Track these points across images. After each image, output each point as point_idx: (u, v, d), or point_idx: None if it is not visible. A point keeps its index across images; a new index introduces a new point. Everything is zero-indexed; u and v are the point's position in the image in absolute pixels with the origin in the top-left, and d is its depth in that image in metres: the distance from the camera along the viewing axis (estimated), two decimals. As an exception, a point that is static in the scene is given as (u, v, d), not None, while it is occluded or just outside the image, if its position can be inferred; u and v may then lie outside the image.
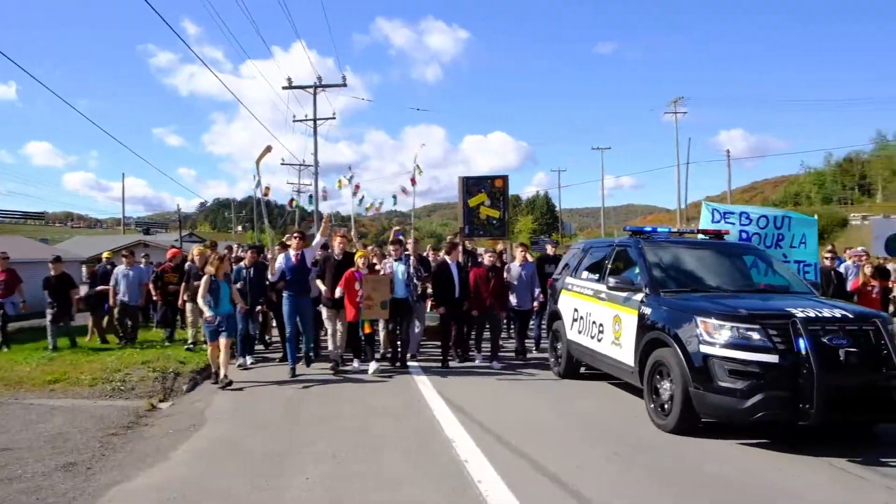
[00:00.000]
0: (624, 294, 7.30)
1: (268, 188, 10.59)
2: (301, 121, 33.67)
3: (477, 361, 10.23)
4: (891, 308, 11.64)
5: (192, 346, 11.11)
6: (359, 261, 9.61)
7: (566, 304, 8.99)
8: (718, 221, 9.93)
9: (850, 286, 10.97)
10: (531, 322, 11.29)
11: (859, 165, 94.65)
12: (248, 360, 10.17)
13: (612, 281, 7.41)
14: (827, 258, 10.80)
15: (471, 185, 11.05)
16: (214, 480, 5.20)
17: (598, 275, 8.32)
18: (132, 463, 5.62)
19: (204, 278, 8.70)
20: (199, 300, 8.60)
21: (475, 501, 4.69)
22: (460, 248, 10.54)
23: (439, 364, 10.14)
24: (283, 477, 5.23)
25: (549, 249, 11.83)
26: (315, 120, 33.21)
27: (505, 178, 11.07)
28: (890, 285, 11.78)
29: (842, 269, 11.39)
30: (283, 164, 47.34)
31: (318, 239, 10.07)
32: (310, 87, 32.99)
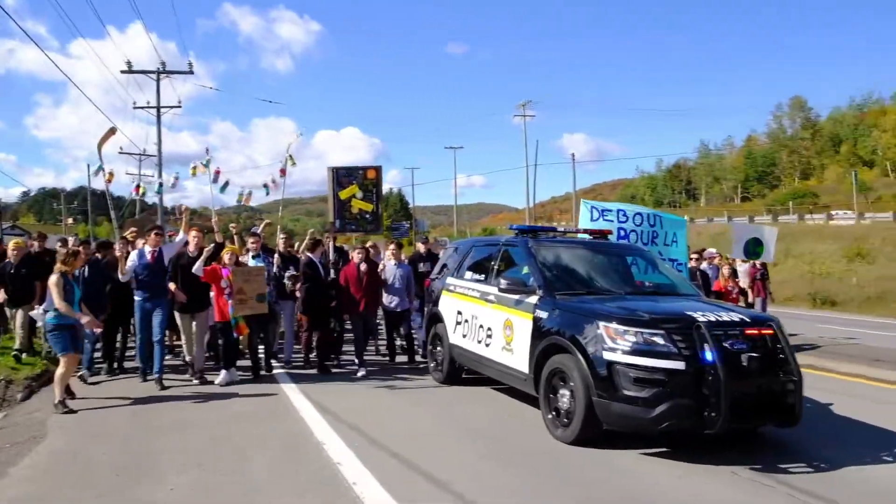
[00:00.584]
0: (516, 297, 6.87)
1: (111, 174, 9.17)
2: (143, 108, 31.69)
3: (360, 374, 9.40)
4: (741, 304, 12.20)
5: (18, 353, 9.32)
6: (224, 256, 8.59)
7: (448, 306, 8.47)
8: (597, 220, 9.84)
9: (713, 287, 11.34)
10: (413, 325, 10.58)
11: (686, 171, 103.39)
12: (87, 373, 8.72)
13: (503, 283, 6.94)
14: (693, 258, 11.08)
15: (341, 177, 10.18)
16: (66, 497, 4.67)
17: (484, 276, 7.87)
18: (-38, 482, 4.90)
19: (53, 278, 7.08)
20: (59, 303, 7.03)
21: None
22: (328, 244, 9.73)
23: (308, 371, 9.32)
24: (145, 488, 4.78)
25: (421, 247, 11.24)
26: (158, 108, 31.26)
27: (378, 170, 10.33)
28: (744, 286, 12.36)
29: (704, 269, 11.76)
30: (121, 152, 43.51)
31: (181, 236, 8.89)
32: (152, 72, 30.97)
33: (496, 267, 7.70)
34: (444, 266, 9.25)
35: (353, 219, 10.13)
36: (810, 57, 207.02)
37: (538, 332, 6.46)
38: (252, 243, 9.28)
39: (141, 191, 9.44)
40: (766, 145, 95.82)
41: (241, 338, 8.77)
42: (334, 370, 9.44)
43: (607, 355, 5.56)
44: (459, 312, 8.13)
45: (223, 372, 8.52)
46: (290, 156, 10.13)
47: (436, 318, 8.85)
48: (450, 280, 8.62)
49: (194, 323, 8.78)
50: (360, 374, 9.09)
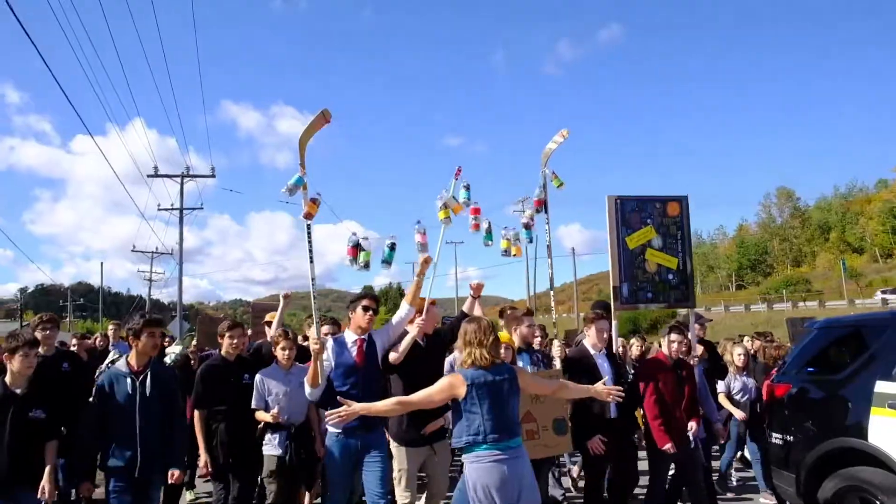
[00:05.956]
0: None
1: (315, 202, 4.79)
2: (166, 209, 30.11)
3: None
4: None
5: None
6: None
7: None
8: None
9: None
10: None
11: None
12: None
13: None
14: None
15: (628, 213, 6.04)
16: None
17: None
18: None
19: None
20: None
21: None
22: (604, 324, 5.47)
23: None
24: None
25: (698, 330, 6.66)
26: (182, 209, 29.70)
27: (682, 203, 6.22)
28: None
29: None
30: (133, 251, 41.22)
31: (403, 310, 4.85)
32: (177, 176, 29.80)
33: None
34: (809, 358, 5.29)
35: (648, 281, 6.03)
36: (793, 148, 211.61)
37: None
38: (527, 329, 5.26)
39: (362, 259, 4.94)
40: (757, 235, 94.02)
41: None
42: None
43: None
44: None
45: None
46: (553, 172, 6.01)
47: (848, 458, 4.74)
48: (891, 387, 4.58)
49: (435, 460, 4.75)
50: None
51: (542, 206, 5.99)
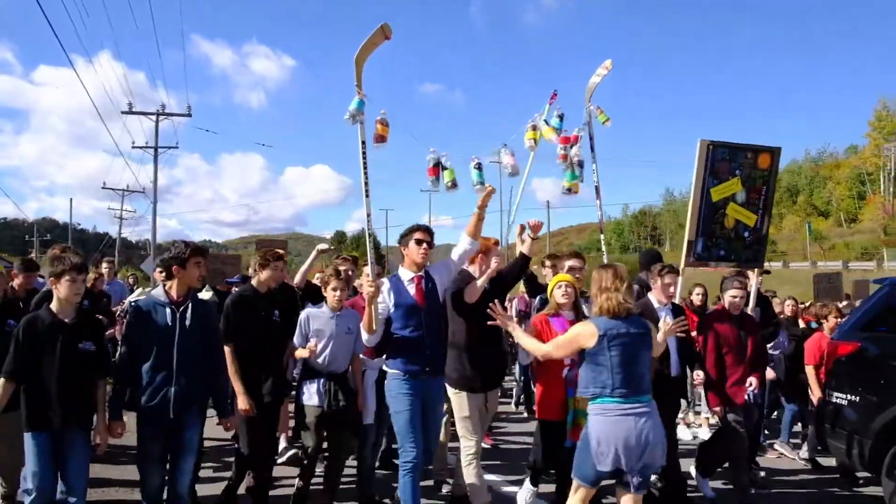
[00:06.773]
0: None
1: (384, 124, 4.07)
2: (141, 147, 29.41)
3: (708, 493, 5.11)
4: None
5: None
6: (558, 293, 4.51)
7: None
8: None
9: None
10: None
11: (651, 217, 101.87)
12: None
13: None
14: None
15: (718, 161, 5.60)
16: None
17: None
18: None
19: None
20: None
21: None
22: (675, 278, 5.05)
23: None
24: None
25: (759, 284, 5.98)
26: (156, 147, 29.19)
27: (774, 155, 5.82)
28: None
29: None
30: (104, 188, 40.21)
31: (465, 243, 4.29)
32: (152, 114, 29.12)
33: None
34: (876, 316, 5.03)
35: (724, 237, 5.68)
36: (768, 110, 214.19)
37: None
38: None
39: (448, 178, 4.39)
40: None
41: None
42: None
43: None
44: None
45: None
46: (600, 108, 5.48)
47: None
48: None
49: (484, 409, 4.54)
50: (707, 492, 5.09)
51: (577, 141, 5.43)
